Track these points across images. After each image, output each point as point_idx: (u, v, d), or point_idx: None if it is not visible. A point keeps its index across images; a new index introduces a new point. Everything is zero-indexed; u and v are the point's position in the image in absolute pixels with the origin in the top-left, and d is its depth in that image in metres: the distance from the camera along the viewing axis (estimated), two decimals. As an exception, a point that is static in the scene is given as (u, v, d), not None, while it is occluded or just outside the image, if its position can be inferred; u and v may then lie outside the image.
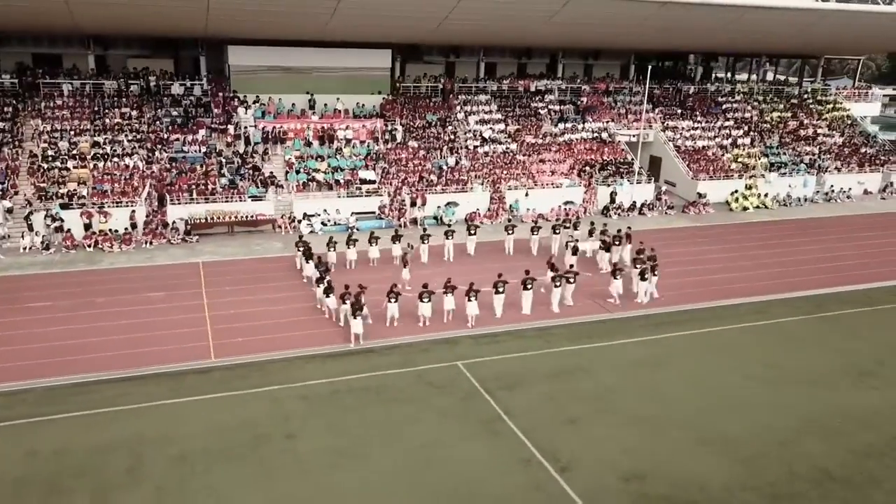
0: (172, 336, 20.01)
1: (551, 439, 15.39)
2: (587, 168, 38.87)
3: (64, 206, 28.54)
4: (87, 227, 28.43)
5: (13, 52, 38.16)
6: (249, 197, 31.44)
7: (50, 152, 31.12)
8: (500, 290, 21.73)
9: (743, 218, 37.41)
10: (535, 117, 42.15)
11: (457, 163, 36.75)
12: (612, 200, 37.08)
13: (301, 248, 25.14)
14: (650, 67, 41.58)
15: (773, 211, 39.37)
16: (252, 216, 30.88)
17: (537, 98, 43.90)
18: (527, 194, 35.76)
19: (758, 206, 39.61)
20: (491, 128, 39.90)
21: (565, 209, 35.75)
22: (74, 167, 30.80)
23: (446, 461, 14.52)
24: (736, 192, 40.07)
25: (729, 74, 58.32)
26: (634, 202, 37.30)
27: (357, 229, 31.35)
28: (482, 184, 35.61)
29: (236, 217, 30.63)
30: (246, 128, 34.82)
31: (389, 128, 37.44)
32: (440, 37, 38.57)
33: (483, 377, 18.20)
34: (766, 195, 40.38)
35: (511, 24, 35.46)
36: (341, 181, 33.41)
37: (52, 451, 14.46)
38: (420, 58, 45.62)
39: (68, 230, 28.00)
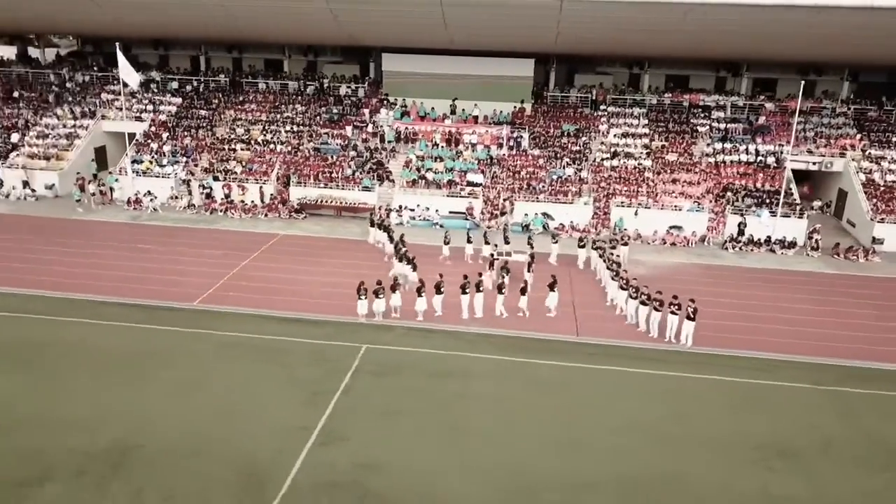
0: (189, 282, 24.78)
1: (348, 421, 16.34)
2: (727, 193, 34.94)
3: (216, 179, 35.84)
4: (227, 196, 35.28)
5: (249, 57, 48.06)
6: (362, 187, 35.46)
7: (229, 136, 39.04)
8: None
9: (912, 273, 30.16)
10: (689, 134, 38.91)
11: (576, 174, 36.15)
12: (741, 232, 32.87)
13: (377, 226, 30.06)
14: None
15: (974, 271, 30.78)
16: (355, 203, 34.88)
17: (703, 114, 40.31)
18: (636, 213, 33.73)
19: (954, 263, 31.30)
20: (628, 143, 38.09)
21: (672, 234, 32.93)
22: (241, 149, 38.18)
23: (242, 413, 16.50)
24: (936, 242, 32.23)
25: None
26: (769, 237, 32.53)
27: (441, 226, 33.52)
28: (589, 197, 34.60)
29: (342, 202, 34.92)
30: (382, 126, 38.99)
31: (515, 135, 38.33)
32: (565, 47, 38.08)
33: (369, 361, 19.43)
34: (974, 250, 31.67)
35: (637, 36, 33.70)
36: (445, 181, 35.56)
37: (38, 339, 19.98)
38: (592, 68, 45.08)
39: (212, 197, 35.15)
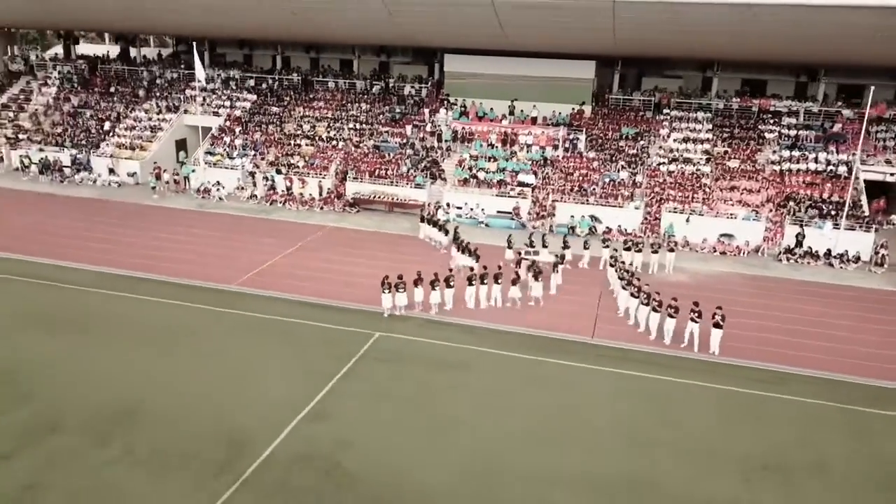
0: (234, 266, 26.39)
1: (340, 401, 17.19)
2: (789, 203, 33.38)
3: (278, 172, 37.77)
4: (288, 189, 37.12)
5: (326, 57, 50.10)
6: (414, 185, 36.38)
7: (295, 132, 40.99)
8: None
9: None
10: (755, 141, 37.39)
11: (630, 177, 35.59)
12: (799, 244, 31.34)
13: (427, 222, 31.22)
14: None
15: None
16: (406, 200, 35.84)
17: (773, 120, 38.59)
18: (688, 220, 32.83)
19: None
20: (688, 147, 37.05)
21: (722, 242, 31.86)
22: (306, 145, 40.01)
23: (245, 385, 17.69)
24: None
25: None
26: (829, 250, 30.86)
27: (487, 225, 34.04)
28: (640, 201, 34.01)
29: (393, 198, 35.97)
30: (439, 126, 39.78)
31: (571, 136, 38.13)
32: (627, 49, 37.40)
33: (377, 348, 20.21)
34: None
35: (698, 37, 32.84)
36: (494, 181, 35.89)
37: (85, 309, 22.13)
38: (661, 71, 44.07)
39: (275, 189, 37.08)
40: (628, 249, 28.59)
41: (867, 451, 16.10)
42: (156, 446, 14.80)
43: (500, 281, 23.03)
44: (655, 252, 28.88)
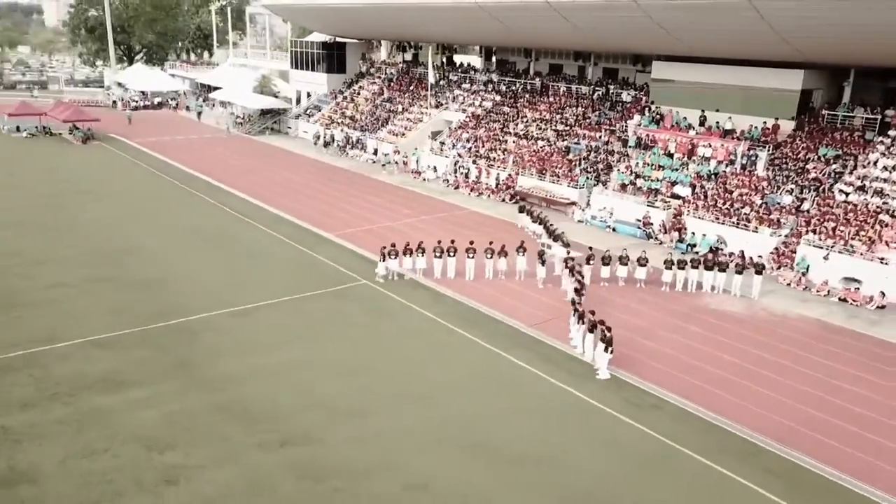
0: (352, 223, 33.63)
1: (266, 311, 22.96)
2: None
3: (473, 163, 43.43)
4: (477, 177, 42.55)
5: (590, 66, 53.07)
6: (577, 185, 38.18)
7: (511, 130, 45.87)
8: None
9: None
10: None
11: (794, 202, 31.25)
12: (964, 308, 24.17)
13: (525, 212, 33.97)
14: None
15: None
16: (558, 197, 37.93)
17: None
18: (826, 257, 27.88)
19: None
20: (887, 177, 30.25)
21: (847, 289, 26.34)
22: (512, 142, 44.67)
23: (232, 282, 24.76)
24: None
25: None
26: None
27: (614, 230, 34.28)
28: (788, 229, 29.90)
29: (548, 194, 38.41)
30: (625, 131, 39.98)
31: (751, 152, 34.51)
32: (821, 54, 31.68)
33: (350, 290, 25.28)
34: None
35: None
36: (646, 189, 35.30)
37: (234, 231, 32.17)
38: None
39: (466, 177, 42.95)
40: (709, 269, 26.77)
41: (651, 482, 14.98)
42: (140, 301, 23.10)
43: (489, 256, 25.73)
44: (739, 273, 26.28)
